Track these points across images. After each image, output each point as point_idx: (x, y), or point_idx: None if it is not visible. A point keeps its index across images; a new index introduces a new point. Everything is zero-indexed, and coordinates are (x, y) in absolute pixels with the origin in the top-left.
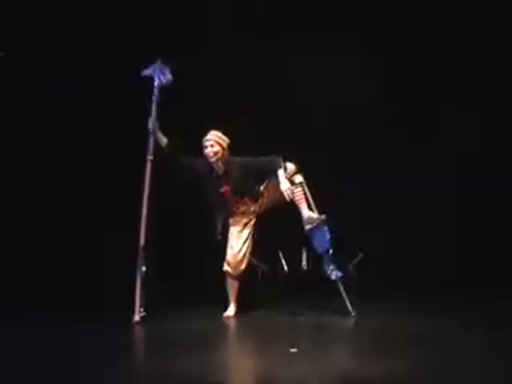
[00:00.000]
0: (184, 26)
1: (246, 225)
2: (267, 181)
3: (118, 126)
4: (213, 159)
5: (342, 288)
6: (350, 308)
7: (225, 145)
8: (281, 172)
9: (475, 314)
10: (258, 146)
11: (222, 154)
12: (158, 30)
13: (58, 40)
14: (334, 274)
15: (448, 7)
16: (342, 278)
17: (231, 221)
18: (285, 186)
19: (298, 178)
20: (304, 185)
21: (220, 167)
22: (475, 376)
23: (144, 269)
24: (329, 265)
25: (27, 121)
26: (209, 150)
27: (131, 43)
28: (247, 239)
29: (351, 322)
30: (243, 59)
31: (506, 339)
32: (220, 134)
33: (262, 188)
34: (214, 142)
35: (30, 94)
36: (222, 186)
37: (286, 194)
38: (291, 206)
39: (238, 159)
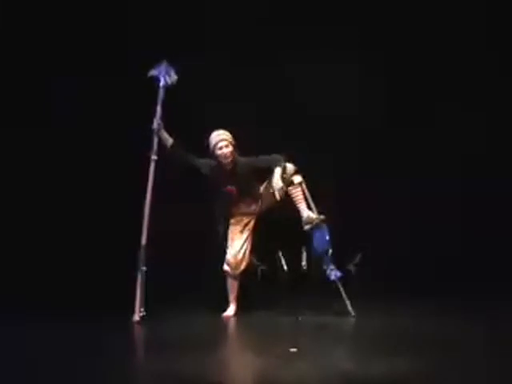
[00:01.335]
0: (184, 26)
1: (246, 225)
2: (266, 181)
3: (122, 126)
4: (229, 159)
5: (341, 288)
6: (349, 308)
7: (234, 144)
8: (277, 170)
9: (475, 313)
10: (257, 146)
11: (234, 154)
12: (158, 29)
13: (58, 40)
14: (334, 274)
15: (448, 7)
16: (341, 278)
17: (232, 221)
18: (277, 185)
19: (297, 179)
20: (303, 185)
21: (229, 167)
22: (475, 376)
23: (144, 268)
24: (328, 265)
25: (28, 120)
26: (225, 151)
27: (131, 43)
28: (247, 239)
29: (351, 321)
30: (243, 59)
31: (506, 339)
32: (228, 133)
33: (261, 188)
34: (228, 142)
35: (30, 94)
36: (228, 186)
37: (276, 192)
38: (291, 206)
39: (243, 159)
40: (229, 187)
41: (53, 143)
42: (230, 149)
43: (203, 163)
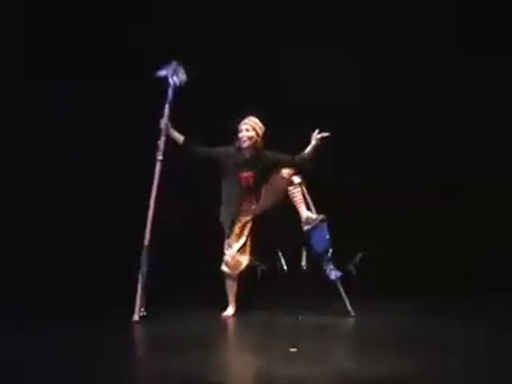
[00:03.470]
0: (184, 25)
1: (244, 226)
2: (267, 183)
3: (122, 126)
4: (246, 144)
5: (341, 288)
6: (349, 308)
7: (260, 132)
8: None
9: (475, 314)
10: None
11: (256, 141)
12: (158, 29)
13: (58, 40)
14: (333, 273)
15: (448, 7)
16: (340, 277)
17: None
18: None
19: (297, 179)
20: (303, 185)
21: (249, 153)
22: (475, 376)
23: (145, 269)
24: (328, 265)
25: (29, 119)
26: (243, 134)
27: (131, 43)
28: (246, 240)
29: (351, 321)
30: (243, 59)
31: (506, 339)
32: (258, 121)
33: (262, 189)
34: (251, 127)
35: (30, 94)
36: (244, 172)
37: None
38: (290, 207)
39: (266, 151)
40: (245, 174)
41: (53, 143)
42: (251, 133)
43: (220, 150)
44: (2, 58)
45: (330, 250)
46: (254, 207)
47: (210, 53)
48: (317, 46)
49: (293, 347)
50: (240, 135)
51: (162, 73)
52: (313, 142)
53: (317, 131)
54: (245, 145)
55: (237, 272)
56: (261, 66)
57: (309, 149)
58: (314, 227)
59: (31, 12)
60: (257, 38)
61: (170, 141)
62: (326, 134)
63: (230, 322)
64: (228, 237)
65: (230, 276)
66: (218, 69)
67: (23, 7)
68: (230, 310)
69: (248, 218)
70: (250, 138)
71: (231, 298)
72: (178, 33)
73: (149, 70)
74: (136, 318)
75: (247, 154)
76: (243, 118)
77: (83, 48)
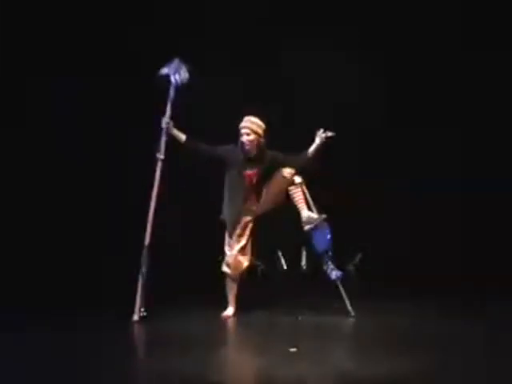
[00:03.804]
0: (184, 25)
1: (245, 227)
2: (267, 182)
3: (122, 125)
4: (247, 147)
5: (341, 288)
6: (349, 308)
7: (260, 131)
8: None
9: (475, 313)
10: None
11: (258, 141)
12: (158, 29)
13: (58, 40)
14: (334, 273)
15: (447, 7)
16: (341, 277)
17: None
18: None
19: (298, 179)
20: (303, 185)
21: (252, 153)
22: (475, 376)
23: (145, 269)
24: (328, 264)
25: (27, 120)
26: (245, 139)
27: (131, 43)
28: (247, 241)
29: (351, 321)
30: (243, 59)
31: (506, 339)
32: (256, 120)
33: (263, 190)
34: (250, 130)
35: (30, 94)
36: (248, 169)
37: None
38: (291, 207)
39: (270, 151)
40: (248, 171)
41: (53, 143)
42: (251, 137)
43: (223, 148)
44: (3, 58)
45: (331, 250)
46: (255, 208)
47: (210, 53)
48: (317, 46)
49: (293, 347)
50: (241, 140)
51: (164, 71)
52: (317, 141)
53: (321, 130)
54: (247, 148)
55: (237, 273)
56: (261, 66)
57: (312, 148)
58: (316, 227)
59: (31, 12)
60: (257, 38)
61: (172, 140)
62: (330, 134)
63: (230, 321)
64: (229, 236)
65: (230, 277)
66: (218, 69)
67: (23, 7)
68: (230, 310)
69: (249, 218)
70: (251, 141)
71: (231, 298)
72: (178, 33)
73: (149, 69)
74: (136, 317)
75: (251, 154)
76: (243, 117)
77: (83, 48)
